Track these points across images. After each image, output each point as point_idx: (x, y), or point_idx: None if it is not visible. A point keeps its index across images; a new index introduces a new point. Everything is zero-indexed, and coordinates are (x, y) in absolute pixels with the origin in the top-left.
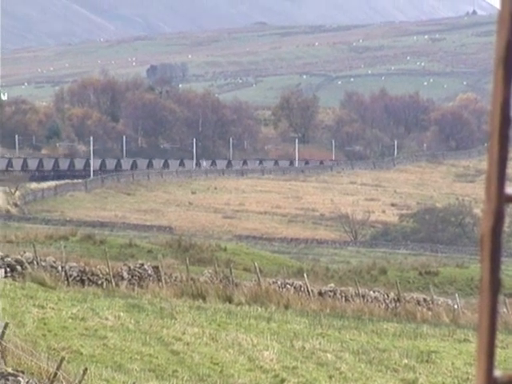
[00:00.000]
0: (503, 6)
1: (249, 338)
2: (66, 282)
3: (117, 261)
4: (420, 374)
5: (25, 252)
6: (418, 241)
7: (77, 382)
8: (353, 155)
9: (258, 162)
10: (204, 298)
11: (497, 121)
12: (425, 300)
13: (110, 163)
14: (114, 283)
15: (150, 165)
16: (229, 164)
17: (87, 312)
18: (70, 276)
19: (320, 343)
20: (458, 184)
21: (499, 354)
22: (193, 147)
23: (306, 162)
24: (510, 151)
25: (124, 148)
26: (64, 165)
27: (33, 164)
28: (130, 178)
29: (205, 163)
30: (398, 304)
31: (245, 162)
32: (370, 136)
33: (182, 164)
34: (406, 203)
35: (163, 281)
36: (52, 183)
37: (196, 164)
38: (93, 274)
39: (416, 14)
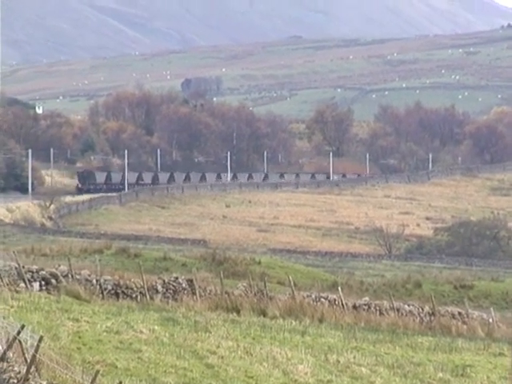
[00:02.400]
0: None
1: (283, 351)
2: (100, 296)
3: (151, 274)
4: None
5: (59, 265)
6: (453, 254)
7: None
8: (387, 169)
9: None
10: (238, 312)
11: None
12: (460, 314)
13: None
14: (148, 296)
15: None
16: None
17: (122, 325)
18: (105, 289)
19: (354, 357)
20: (492, 197)
21: None
22: (227, 160)
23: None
24: None
25: (159, 161)
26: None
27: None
28: (165, 191)
29: (336, 177)
30: (432, 318)
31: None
32: (404, 149)
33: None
34: (441, 217)
35: (197, 294)
36: (86, 197)
37: (327, 178)
38: (127, 288)
39: (451, 27)
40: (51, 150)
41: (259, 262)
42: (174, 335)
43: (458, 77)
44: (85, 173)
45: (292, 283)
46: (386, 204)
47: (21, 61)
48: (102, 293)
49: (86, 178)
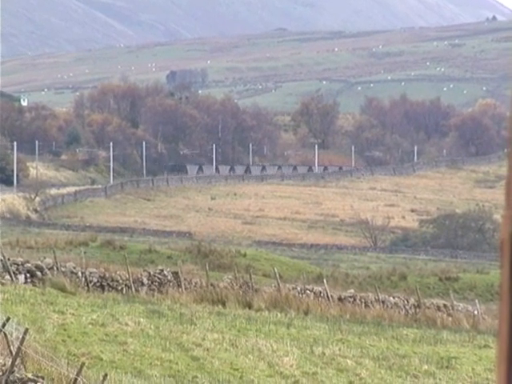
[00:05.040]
0: None
1: (269, 343)
2: (85, 288)
3: (136, 266)
4: (440, 379)
5: (45, 258)
6: (438, 246)
7: None
8: (372, 161)
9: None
10: (224, 304)
11: None
12: (445, 306)
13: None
14: (133, 289)
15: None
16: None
17: (107, 318)
18: (90, 282)
19: (340, 349)
20: (477, 190)
21: None
22: (212, 153)
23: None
24: None
25: (144, 154)
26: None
27: None
28: (150, 183)
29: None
30: (417, 310)
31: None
32: (389, 142)
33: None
34: (426, 209)
35: (183, 286)
36: (72, 189)
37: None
38: (113, 280)
39: (436, 19)
40: (36, 142)
41: (244, 255)
42: (159, 328)
43: (443, 69)
44: (176, 166)
45: (277, 275)
46: (372, 196)
47: (6, 53)
48: (88, 285)
49: (178, 171)
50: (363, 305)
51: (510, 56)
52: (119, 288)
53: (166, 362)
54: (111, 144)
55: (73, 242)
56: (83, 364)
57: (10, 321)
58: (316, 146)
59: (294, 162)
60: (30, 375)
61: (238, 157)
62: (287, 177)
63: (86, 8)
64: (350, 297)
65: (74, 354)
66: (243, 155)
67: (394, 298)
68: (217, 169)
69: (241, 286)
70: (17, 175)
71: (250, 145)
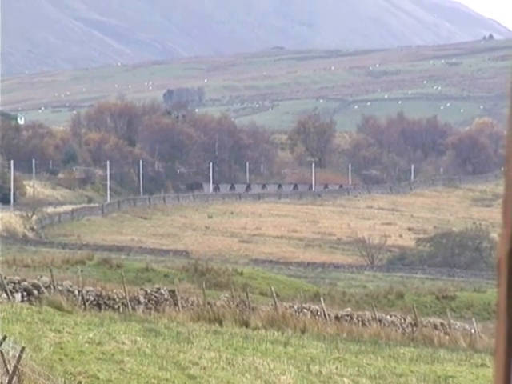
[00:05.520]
0: None
1: (265, 362)
2: (82, 307)
3: (133, 285)
4: None
5: (41, 276)
6: (435, 265)
7: None
8: (369, 179)
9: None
10: (220, 323)
11: None
12: (442, 324)
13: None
14: (130, 307)
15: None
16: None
17: (104, 336)
18: (87, 300)
19: (337, 368)
20: (474, 208)
21: None
22: (209, 171)
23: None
24: None
25: (141, 172)
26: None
27: None
28: (147, 202)
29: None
30: (414, 328)
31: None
32: (386, 160)
33: (264, 187)
34: (423, 227)
35: (180, 305)
36: (68, 207)
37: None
38: (109, 299)
39: (433, 38)
40: (33, 160)
41: (241, 273)
42: (156, 346)
43: (440, 88)
44: (194, 184)
45: (274, 294)
46: (369, 215)
47: (3, 72)
48: (84, 304)
49: (195, 188)
50: (360, 323)
51: (506, 75)
52: (116, 306)
53: (163, 381)
54: (108, 162)
55: (69, 260)
56: (80, 383)
57: (7, 339)
58: (313, 165)
59: (291, 181)
60: None
61: (234, 175)
62: (284, 195)
63: (83, 27)
64: (347, 315)
65: (71, 373)
66: (240, 173)
67: (390, 316)
68: (232, 187)
69: (238, 305)
70: (14, 194)
71: (247, 163)
